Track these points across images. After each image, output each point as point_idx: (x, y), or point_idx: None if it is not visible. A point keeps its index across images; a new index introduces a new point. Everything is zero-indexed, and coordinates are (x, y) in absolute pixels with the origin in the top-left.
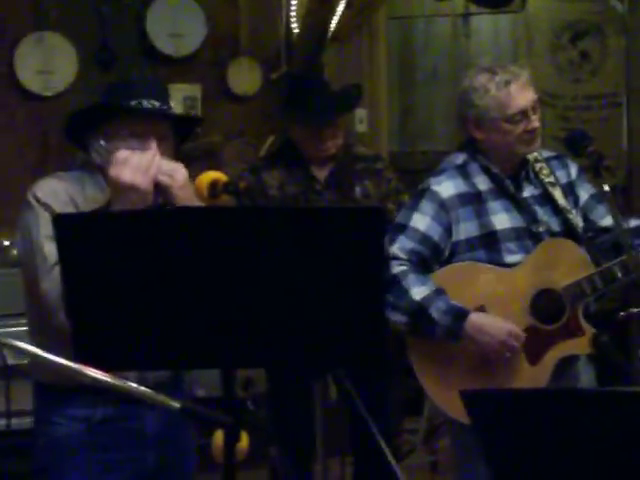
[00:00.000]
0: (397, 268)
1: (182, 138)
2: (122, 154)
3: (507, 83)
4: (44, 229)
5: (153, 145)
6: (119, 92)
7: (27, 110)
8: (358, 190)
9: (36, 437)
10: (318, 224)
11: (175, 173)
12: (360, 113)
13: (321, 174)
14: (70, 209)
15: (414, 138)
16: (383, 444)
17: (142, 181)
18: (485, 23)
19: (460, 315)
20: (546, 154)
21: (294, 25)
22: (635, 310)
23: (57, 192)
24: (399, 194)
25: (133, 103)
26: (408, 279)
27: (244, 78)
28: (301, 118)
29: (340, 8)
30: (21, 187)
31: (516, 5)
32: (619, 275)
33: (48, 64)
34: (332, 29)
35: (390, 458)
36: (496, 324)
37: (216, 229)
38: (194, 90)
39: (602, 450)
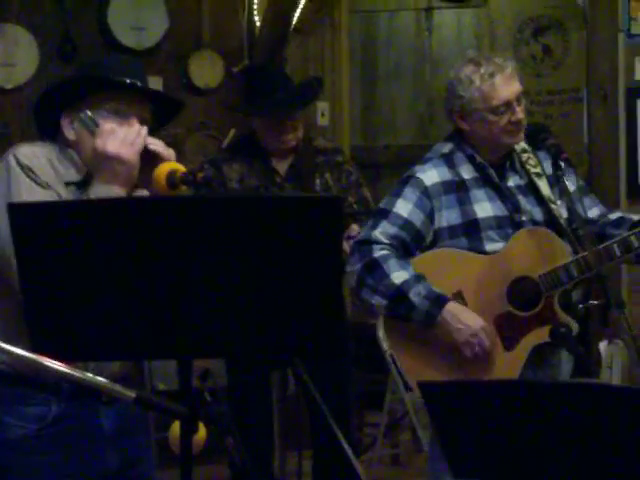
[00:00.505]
0: (378, 252)
1: (157, 125)
2: (108, 125)
3: (492, 75)
4: (24, 193)
5: (135, 122)
6: (100, 68)
7: None
8: (318, 183)
9: None
10: (276, 213)
11: (165, 147)
12: (322, 106)
13: (281, 167)
14: (51, 174)
15: (376, 132)
16: (342, 437)
17: (127, 152)
18: (448, 18)
19: (439, 301)
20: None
21: (256, 18)
22: (594, 302)
23: (38, 156)
24: (359, 187)
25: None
26: (389, 263)
27: (206, 71)
28: (262, 111)
29: (302, 1)
30: None
31: (478, 0)
32: (594, 265)
33: (9, 56)
34: (294, 22)
35: (349, 451)
36: (473, 316)
37: (173, 218)
38: (156, 83)
39: (551, 441)
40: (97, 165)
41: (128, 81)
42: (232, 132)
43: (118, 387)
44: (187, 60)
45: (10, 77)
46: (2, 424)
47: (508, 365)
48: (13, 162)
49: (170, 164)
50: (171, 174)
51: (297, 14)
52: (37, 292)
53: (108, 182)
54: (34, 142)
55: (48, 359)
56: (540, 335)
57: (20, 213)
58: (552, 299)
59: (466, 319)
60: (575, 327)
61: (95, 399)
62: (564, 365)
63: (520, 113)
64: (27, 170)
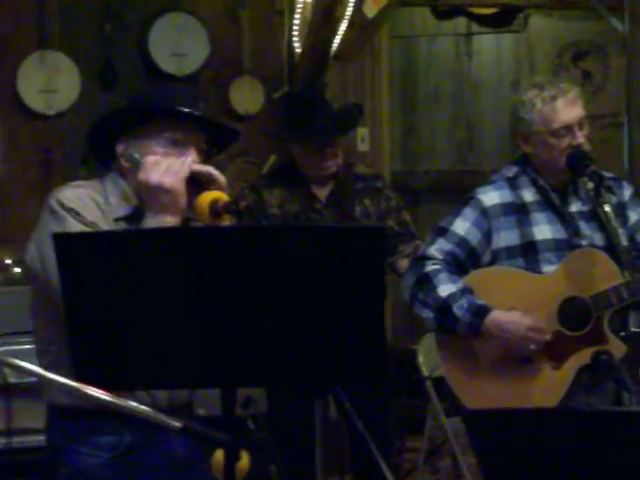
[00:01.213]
0: (430, 267)
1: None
2: (152, 158)
3: (553, 98)
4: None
5: (192, 153)
6: (155, 97)
7: (30, 129)
8: (358, 209)
9: (55, 467)
10: (319, 243)
11: (213, 171)
12: (362, 132)
13: (322, 193)
14: (97, 214)
15: (416, 157)
16: (383, 463)
17: (170, 181)
18: (487, 43)
19: (480, 312)
20: (605, 174)
21: (296, 44)
22: (635, 330)
23: (81, 198)
24: (399, 211)
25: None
26: (438, 277)
27: (246, 97)
28: (302, 137)
29: (342, 27)
30: (23, 206)
31: (518, 25)
32: None
33: (51, 83)
34: (334, 48)
35: (390, 477)
36: (515, 320)
37: (217, 248)
38: None
39: (600, 470)
40: (145, 197)
41: (186, 110)
42: (272, 158)
43: (162, 417)
44: (227, 86)
45: (52, 104)
46: (76, 454)
47: (555, 384)
48: (57, 206)
49: (213, 193)
50: (214, 203)
51: (337, 40)
52: (82, 321)
53: (157, 213)
54: (76, 183)
55: (92, 388)
56: (585, 357)
57: (65, 243)
58: (602, 320)
59: (509, 327)
60: (620, 351)
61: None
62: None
63: (580, 138)
64: (73, 213)
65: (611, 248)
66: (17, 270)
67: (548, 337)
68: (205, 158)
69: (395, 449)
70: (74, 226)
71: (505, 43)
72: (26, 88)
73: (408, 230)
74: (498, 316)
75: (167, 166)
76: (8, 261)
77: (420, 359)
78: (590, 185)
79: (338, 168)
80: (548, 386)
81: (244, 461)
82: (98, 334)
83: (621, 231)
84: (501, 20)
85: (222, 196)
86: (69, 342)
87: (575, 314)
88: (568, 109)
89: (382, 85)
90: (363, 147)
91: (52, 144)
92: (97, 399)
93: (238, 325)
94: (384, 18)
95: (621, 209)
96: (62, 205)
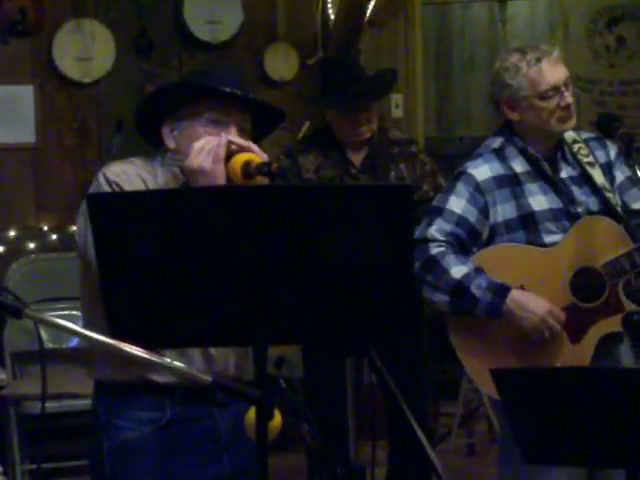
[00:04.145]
0: (435, 249)
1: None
2: (197, 144)
3: (538, 60)
4: None
5: (232, 131)
6: (202, 77)
7: (65, 97)
8: (393, 174)
9: (97, 440)
10: (348, 202)
11: (252, 145)
12: (396, 98)
13: (356, 158)
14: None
15: (451, 124)
16: (417, 427)
17: (208, 164)
18: (521, 9)
19: (502, 291)
20: (585, 135)
21: (330, 11)
22: None
23: (128, 173)
24: (434, 176)
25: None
26: (447, 259)
27: (281, 64)
28: (336, 103)
29: None
30: (58, 174)
31: None
32: None
33: (86, 51)
34: (368, 14)
35: (424, 441)
36: (538, 301)
37: (250, 208)
38: None
39: (623, 428)
40: (189, 180)
41: (228, 90)
42: (307, 124)
43: (195, 371)
44: (262, 53)
45: (87, 71)
46: (117, 428)
47: (576, 358)
48: (102, 179)
49: (245, 155)
50: (246, 164)
51: (371, 6)
52: (114, 279)
53: None
54: (130, 160)
55: (126, 344)
56: (609, 325)
57: (97, 203)
58: (617, 289)
59: (532, 306)
60: None
61: (210, 401)
62: (625, 359)
63: (569, 97)
64: (115, 186)
65: (607, 212)
66: (54, 237)
67: (560, 328)
68: (253, 141)
69: (430, 414)
70: None
71: (539, 9)
72: (62, 56)
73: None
74: (520, 295)
75: (205, 148)
76: (45, 228)
77: None
78: (613, 150)
79: (372, 133)
80: (569, 362)
81: (276, 420)
82: (130, 293)
83: (615, 192)
84: None
85: (255, 158)
86: (102, 300)
87: (588, 285)
88: (554, 69)
89: (416, 51)
90: (397, 113)
91: (87, 112)
92: (131, 355)
93: (270, 283)
94: None
95: (609, 169)
96: (106, 177)
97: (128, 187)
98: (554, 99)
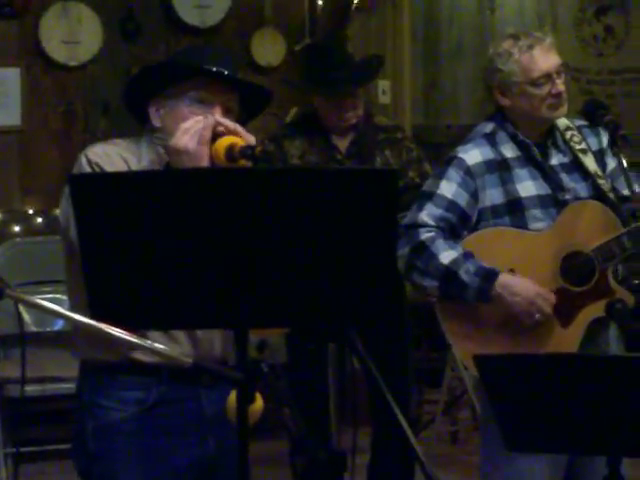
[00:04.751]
0: (425, 235)
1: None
2: (182, 126)
3: (530, 47)
4: None
5: (217, 111)
6: (189, 56)
7: (52, 80)
8: (379, 160)
9: (81, 421)
10: (333, 185)
11: (239, 128)
12: (383, 84)
13: (342, 144)
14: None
15: (438, 111)
16: (400, 414)
17: (192, 144)
18: None
19: (490, 275)
20: (578, 122)
21: None
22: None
23: (109, 154)
24: (420, 163)
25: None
26: (436, 244)
27: (268, 49)
28: (322, 89)
29: None
30: (45, 157)
31: None
32: None
33: (73, 34)
34: (356, 0)
35: (407, 429)
36: (526, 284)
37: (232, 190)
38: None
39: (606, 414)
40: (170, 161)
41: (214, 69)
42: (294, 110)
43: (175, 353)
44: (249, 38)
45: (74, 55)
46: (102, 408)
47: (565, 342)
48: (83, 160)
49: (229, 138)
50: (230, 148)
51: None
52: (97, 261)
53: None
54: (112, 141)
55: (108, 326)
56: (596, 310)
57: (79, 184)
58: (606, 273)
59: (520, 289)
60: (632, 300)
61: (196, 382)
62: (612, 343)
63: (560, 85)
64: (95, 166)
65: (597, 198)
66: (39, 220)
67: (550, 310)
68: (240, 122)
69: (414, 401)
70: None
71: None
72: (48, 39)
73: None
74: (508, 279)
75: (192, 129)
76: (30, 211)
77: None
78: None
79: (358, 119)
80: (559, 345)
81: (258, 404)
82: (112, 274)
83: (607, 179)
84: None
85: (238, 141)
86: (84, 282)
87: (578, 269)
88: (546, 57)
89: (403, 38)
90: (384, 99)
91: (74, 95)
92: (113, 337)
93: (252, 266)
94: None
95: (601, 156)
96: (87, 158)
97: (109, 168)
98: (545, 86)
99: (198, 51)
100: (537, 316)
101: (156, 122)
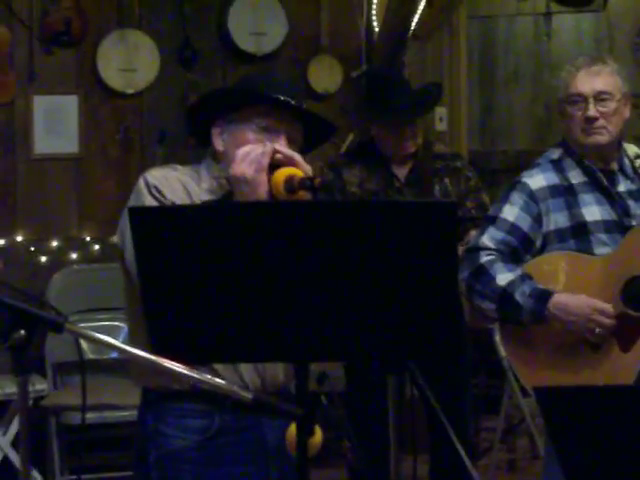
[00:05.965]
0: (485, 257)
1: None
2: (241, 151)
3: (578, 68)
4: None
5: (282, 140)
6: (255, 82)
7: (109, 107)
8: (437, 188)
9: (143, 449)
10: (392, 218)
11: (297, 157)
12: (440, 111)
13: (401, 172)
14: (182, 196)
15: (494, 137)
16: (458, 442)
17: (247, 170)
18: (567, 22)
19: (543, 296)
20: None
21: (375, 23)
22: None
23: (168, 178)
24: (478, 192)
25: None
26: (495, 267)
27: (324, 76)
28: (381, 117)
29: (421, 6)
30: (102, 184)
31: (597, 4)
32: None
33: (130, 62)
34: (413, 27)
35: (465, 456)
36: (579, 301)
37: (292, 223)
38: None
39: None
40: (231, 187)
41: (282, 98)
42: (350, 137)
43: (236, 388)
44: (306, 65)
45: (131, 82)
46: (164, 436)
47: (625, 367)
48: (142, 183)
49: (288, 169)
50: (289, 179)
51: (416, 19)
52: (156, 295)
53: None
54: (172, 166)
55: (168, 361)
56: None
57: (139, 217)
58: None
59: (575, 308)
60: None
61: (258, 411)
62: None
63: (592, 111)
64: (153, 189)
65: None
66: (96, 247)
67: (613, 321)
68: (301, 152)
69: (472, 428)
70: (149, 202)
71: (584, 22)
72: (106, 67)
73: (486, 213)
74: (562, 299)
75: (249, 156)
76: (87, 238)
77: (497, 338)
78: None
79: (417, 147)
80: (617, 370)
81: (317, 436)
82: (172, 308)
83: None
84: None
85: (297, 172)
86: (144, 316)
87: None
88: (586, 79)
89: (460, 64)
90: (441, 126)
91: (131, 123)
92: (172, 372)
93: (312, 299)
94: None
95: None
96: (146, 181)
97: (168, 191)
98: (579, 106)
99: (264, 78)
100: (597, 330)
101: (218, 145)
